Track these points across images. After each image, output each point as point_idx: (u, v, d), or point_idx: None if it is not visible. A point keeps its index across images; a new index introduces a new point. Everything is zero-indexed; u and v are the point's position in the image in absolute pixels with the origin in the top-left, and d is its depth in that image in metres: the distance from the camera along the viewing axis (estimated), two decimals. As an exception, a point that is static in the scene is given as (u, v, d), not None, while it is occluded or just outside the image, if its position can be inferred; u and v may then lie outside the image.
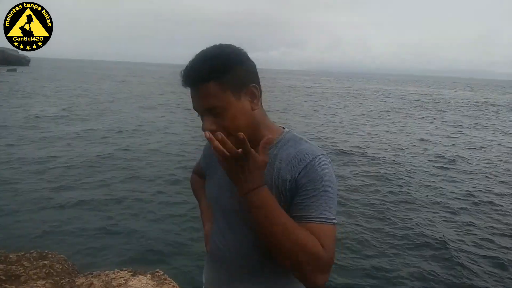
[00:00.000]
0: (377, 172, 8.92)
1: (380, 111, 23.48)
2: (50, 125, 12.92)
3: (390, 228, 5.87)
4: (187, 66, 0.94)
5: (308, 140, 1.02)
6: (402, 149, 11.84)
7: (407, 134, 14.86)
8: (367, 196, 7.26)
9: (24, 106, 17.01)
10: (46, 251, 2.80)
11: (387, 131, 15.35)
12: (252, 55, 1.00)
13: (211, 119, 0.93)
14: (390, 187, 7.86)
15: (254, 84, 0.96)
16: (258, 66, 1.01)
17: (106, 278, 2.32)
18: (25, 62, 61.03)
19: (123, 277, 2.33)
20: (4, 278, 2.33)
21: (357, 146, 11.84)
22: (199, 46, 0.98)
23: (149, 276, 2.39)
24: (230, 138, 0.94)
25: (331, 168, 0.96)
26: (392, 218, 6.25)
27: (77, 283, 2.29)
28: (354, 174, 8.70)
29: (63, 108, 17.41)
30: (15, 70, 46.39)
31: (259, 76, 1.01)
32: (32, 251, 2.74)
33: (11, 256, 2.60)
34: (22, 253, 2.69)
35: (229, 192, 1.04)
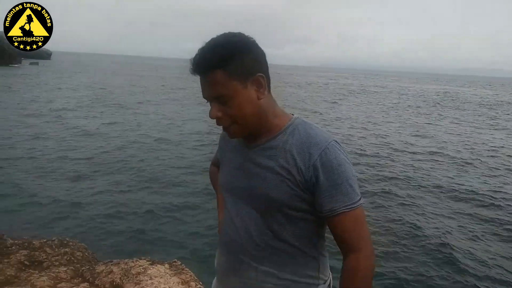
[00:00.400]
0: (391, 170, 8.82)
1: (397, 109, 23.13)
2: (71, 118, 13.20)
3: (396, 225, 5.80)
4: (196, 54, 0.96)
5: (317, 126, 1.03)
6: (418, 146, 11.65)
7: (424, 132, 14.60)
8: (378, 193, 7.17)
9: (46, 99, 17.42)
10: (67, 239, 2.87)
11: (404, 129, 15.13)
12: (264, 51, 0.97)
13: (218, 106, 0.96)
14: (407, 185, 7.76)
15: (260, 74, 0.97)
16: (270, 62, 1.01)
17: (125, 266, 2.36)
18: (46, 56, 62.29)
19: (141, 266, 2.37)
20: (27, 263, 2.40)
21: (372, 144, 11.72)
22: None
23: (167, 265, 2.42)
24: (236, 126, 0.98)
25: (344, 152, 0.98)
26: (402, 218, 6.15)
27: (97, 271, 2.34)
28: (367, 169, 8.62)
29: (84, 101, 17.75)
30: (37, 63, 47.38)
31: (272, 71, 1.02)
32: (53, 239, 2.81)
33: (34, 242, 2.67)
34: (44, 240, 2.76)
35: (236, 179, 1.06)
